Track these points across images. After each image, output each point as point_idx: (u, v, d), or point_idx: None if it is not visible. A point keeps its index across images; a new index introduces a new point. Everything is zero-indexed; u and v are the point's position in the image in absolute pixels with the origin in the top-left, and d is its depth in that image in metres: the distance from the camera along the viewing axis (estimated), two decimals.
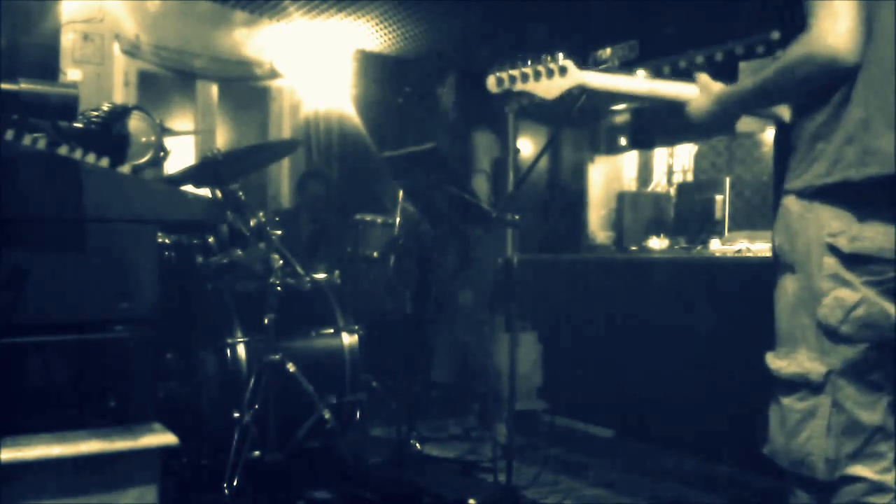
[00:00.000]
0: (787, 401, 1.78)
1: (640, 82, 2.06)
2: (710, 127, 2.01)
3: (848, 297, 1.70)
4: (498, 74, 2.08)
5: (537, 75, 2.04)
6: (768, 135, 4.61)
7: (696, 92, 2.01)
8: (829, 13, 1.62)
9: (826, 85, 1.71)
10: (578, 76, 2.03)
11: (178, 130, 4.45)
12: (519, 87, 2.06)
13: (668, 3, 4.22)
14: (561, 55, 2.03)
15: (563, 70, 2.02)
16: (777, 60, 1.76)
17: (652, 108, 5.00)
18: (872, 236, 1.70)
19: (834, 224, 1.72)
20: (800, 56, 1.69)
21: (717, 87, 1.98)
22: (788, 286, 1.79)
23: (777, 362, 1.80)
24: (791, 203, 1.80)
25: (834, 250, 1.71)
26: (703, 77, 2.01)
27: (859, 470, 1.73)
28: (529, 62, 2.05)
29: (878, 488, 1.73)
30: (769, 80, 1.79)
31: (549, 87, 2.04)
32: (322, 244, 5.13)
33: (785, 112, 1.95)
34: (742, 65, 3.99)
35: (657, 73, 4.40)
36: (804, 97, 1.79)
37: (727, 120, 1.98)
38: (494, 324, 4.00)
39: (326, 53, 6.10)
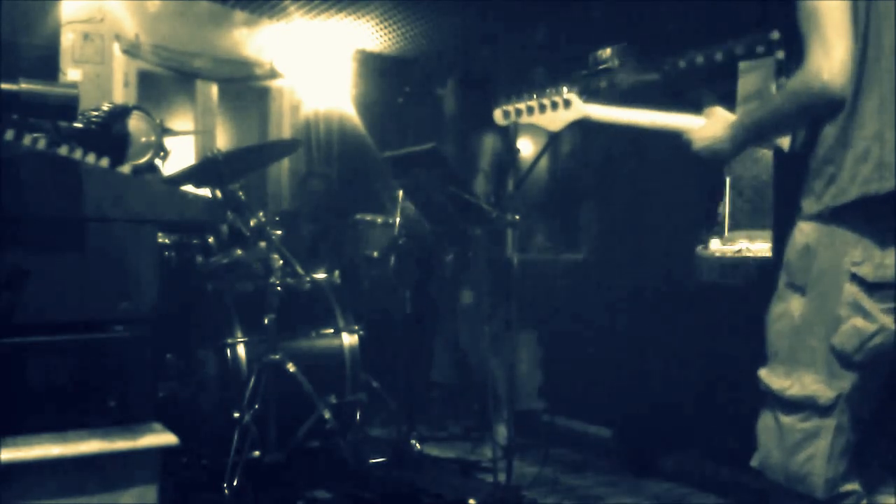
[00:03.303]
0: (787, 420, 1.79)
1: (641, 114, 2.09)
2: (716, 157, 2.01)
3: (865, 326, 1.72)
4: (504, 108, 2.17)
5: (542, 108, 2.12)
6: None
7: (701, 121, 2.02)
8: (823, 47, 1.69)
9: (827, 113, 1.76)
10: (582, 109, 2.10)
11: (178, 130, 4.45)
12: (524, 119, 2.15)
13: (668, 3, 4.21)
14: (565, 88, 2.10)
15: (567, 103, 2.09)
16: (781, 91, 1.82)
17: None
18: (894, 264, 1.71)
19: (856, 252, 1.73)
20: (798, 90, 1.76)
21: (729, 116, 1.99)
22: (794, 307, 1.80)
23: (778, 382, 1.81)
24: (808, 227, 1.80)
25: (856, 279, 1.73)
26: (713, 109, 2.02)
27: (848, 486, 1.78)
28: (535, 95, 2.13)
29: (860, 496, 1.79)
30: (773, 112, 1.86)
31: (553, 120, 2.11)
32: (322, 246, 5.12)
33: (784, 141, 1.97)
34: (742, 65, 3.98)
35: (657, 74, 4.40)
36: (806, 125, 1.82)
37: (734, 150, 1.99)
38: (494, 324, 4.00)
39: (326, 53, 6.10)
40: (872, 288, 1.72)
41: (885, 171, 1.71)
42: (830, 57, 1.68)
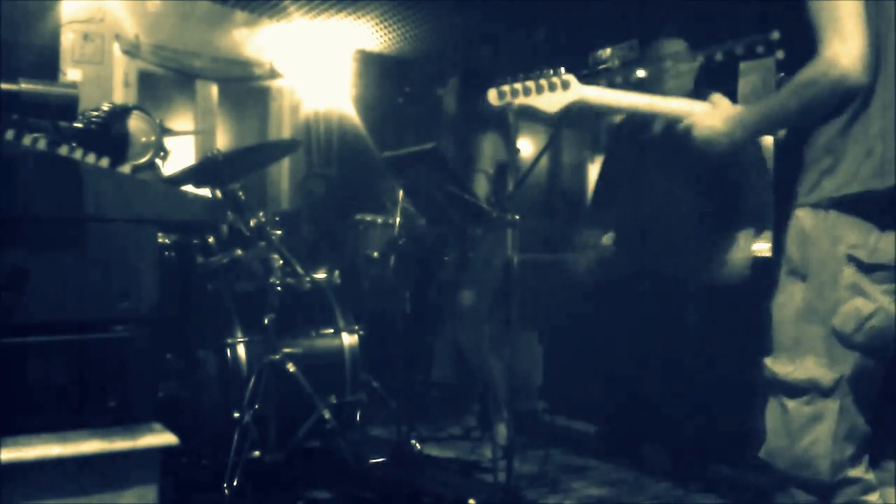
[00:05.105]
0: (792, 404, 1.80)
1: (640, 98, 2.06)
2: (710, 149, 1.98)
3: (864, 307, 1.74)
4: (500, 88, 2.06)
5: (539, 89, 2.02)
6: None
7: (706, 108, 1.98)
8: (840, 35, 1.67)
9: (842, 104, 1.74)
10: (580, 91, 2.02)
11: (178, 130, 4.45)
12: (521, 100, 2.04)
13: (668, 3, 4.22)
14: (563, 69, 2.02)
15: (565, 84, 2.01)
16: (789, 83, 1.78)
17: None
18: (890, 247, 1.73)
19: (851, 236, 1.74)
20: (814, 79, 1.72)
21: (732, 109, 1.96)
22: (796, 295, 1.81)
23: (782, 368, 1.82)
24: (804, 214, 1.81)
25: (853, 261, 1.74)
26: (718, 96, 2.01)
27: (854, 472, 1.78)
28: (532, 76, 2.03)
29: (869, 487, 1.79)
30: (785, 103, 1.81)
31: (550, 101, 2.03)
32: (322, 246, 5.12)
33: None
34: (742, 65, 3.99)
35: (657, 74, 4.39)
36: (819, 118, 1.79)
37: (730, 147, 1.96)
38: (494, 324, 4.00)
39: (326, 53, 6.11)
40: (869, 269, 1.73)
41: (888, 169, 1.72)
42: (849, 45, 1.66)
